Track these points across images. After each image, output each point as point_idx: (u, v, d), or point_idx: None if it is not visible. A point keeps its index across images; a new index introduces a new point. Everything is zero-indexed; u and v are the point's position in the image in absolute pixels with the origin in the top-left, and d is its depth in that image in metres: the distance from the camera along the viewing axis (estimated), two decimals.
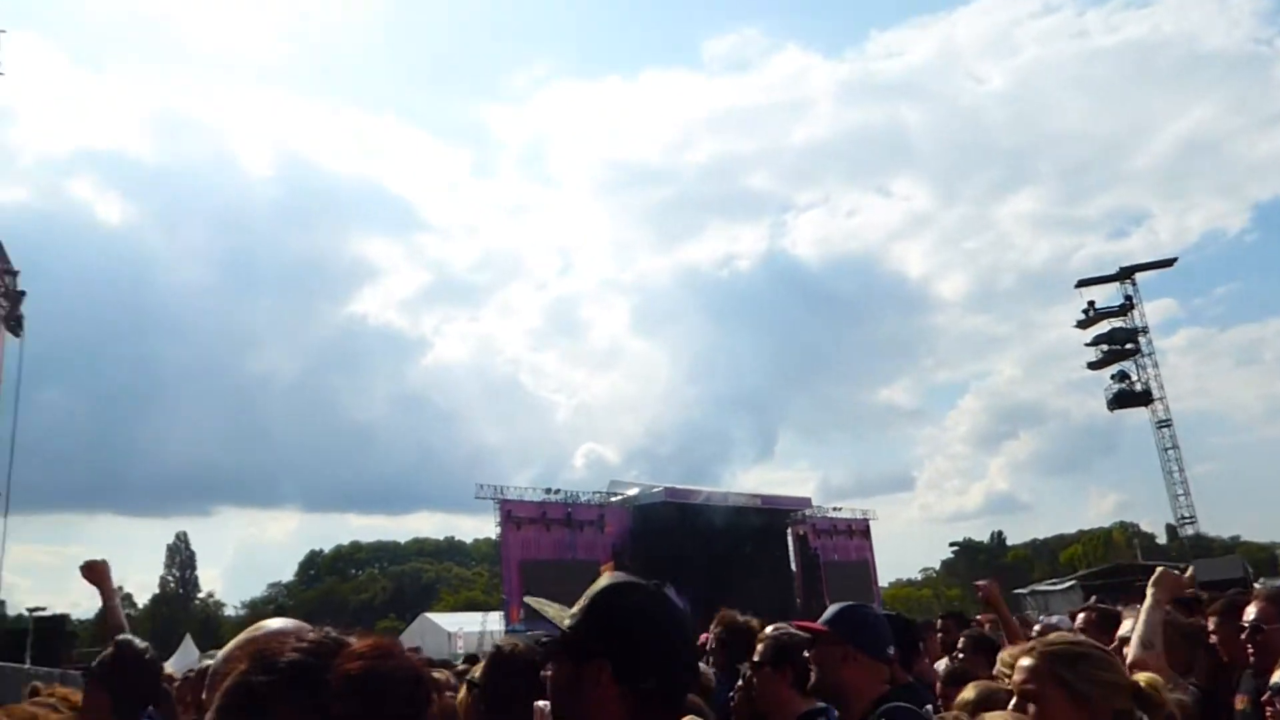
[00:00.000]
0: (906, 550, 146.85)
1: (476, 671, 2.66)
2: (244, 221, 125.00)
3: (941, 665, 5.16)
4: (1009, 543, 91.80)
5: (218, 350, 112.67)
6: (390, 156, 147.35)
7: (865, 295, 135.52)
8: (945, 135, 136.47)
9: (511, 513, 39.21)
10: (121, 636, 3.42)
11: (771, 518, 46.71)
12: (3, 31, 19.56)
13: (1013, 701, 2.24)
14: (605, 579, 1.70)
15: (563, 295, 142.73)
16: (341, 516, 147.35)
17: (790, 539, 47.61)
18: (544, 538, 39.78)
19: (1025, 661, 2.25)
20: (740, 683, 3.32)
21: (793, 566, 47.17)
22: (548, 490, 41.87)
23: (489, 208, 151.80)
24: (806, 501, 50.11)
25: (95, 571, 4.06)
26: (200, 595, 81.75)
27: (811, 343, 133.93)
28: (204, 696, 4.29)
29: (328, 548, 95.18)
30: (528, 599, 1.79)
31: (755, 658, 3.19)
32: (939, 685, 4.08)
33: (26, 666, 18.11)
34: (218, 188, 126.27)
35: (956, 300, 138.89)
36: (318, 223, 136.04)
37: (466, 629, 43.56)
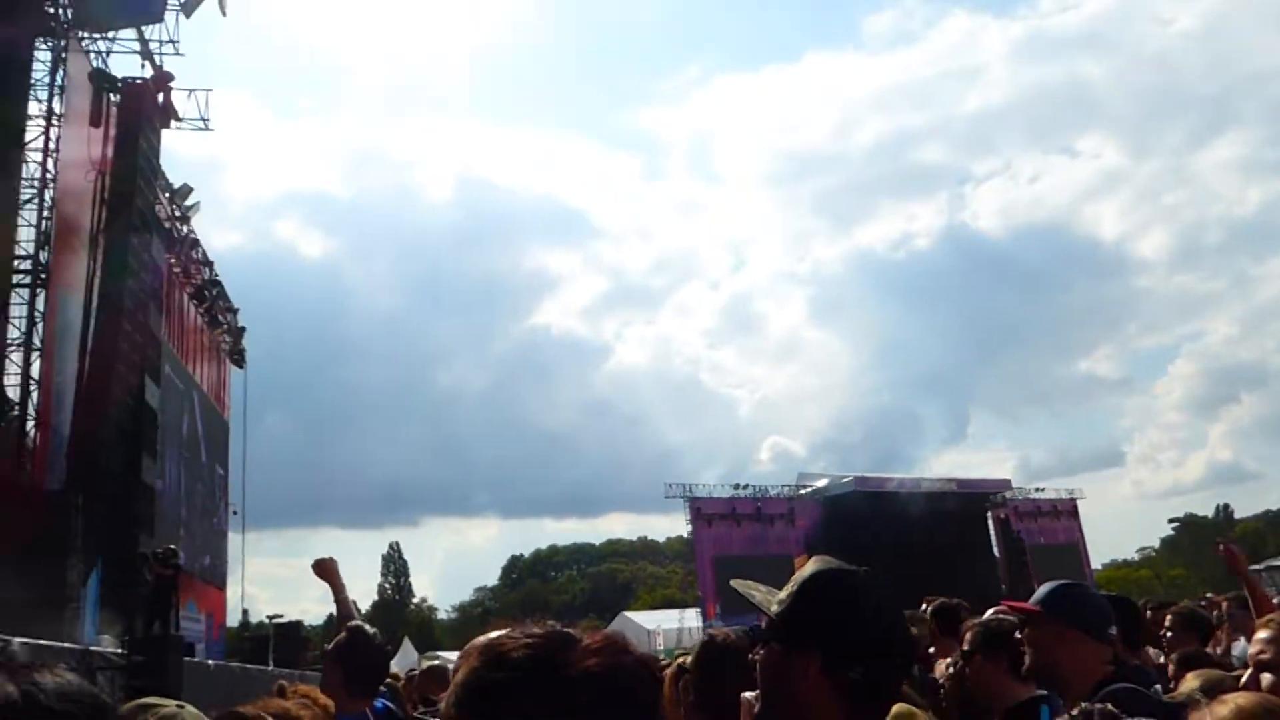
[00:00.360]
0: (1120, 530, 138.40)
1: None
2: (429, 246, 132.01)
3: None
4: (1237, 516, 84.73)
5: (413, 370, 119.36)
6: (562, 169, 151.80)
7: (1056, 263, 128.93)
8: (1133, 85, 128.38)
9: (701, 510, 39.45)
10: (353, 622, 3.68)
11: (969, 502, 45.00)
12: (210, 90, 21.31)
13: (1245, 674, 2.11)
14: (812, 565, 1.66)
15: (737, 292, 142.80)
16: (538, 521, 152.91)
17: (991, 523, 45.70)
18: (735, 533, 39.81)
19: (1262, 634, 2.16)
20: (951, 671, 3.21)
21: (995, 552, 45.27)
22: (736, 486, 41.87)
23: (660, 210, 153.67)
24: (1006, 483, 47.99)
25: (325, 568, 4.35)
26: (414, 600, 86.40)
27: (1000, 317, 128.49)
28: (433, 694, 4.54)
29: (527, 552, 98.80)
30: (734, 582, 1.74)
31: (965, 646, 3.07)
32: (1171, 668, 3.80)
33: (270, 668, 19.70)
34: (403, 216, 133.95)
35: (1159, 260, 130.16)
36: (497, 240, 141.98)
37: (665, 626, 44.12)
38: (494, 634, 1.04)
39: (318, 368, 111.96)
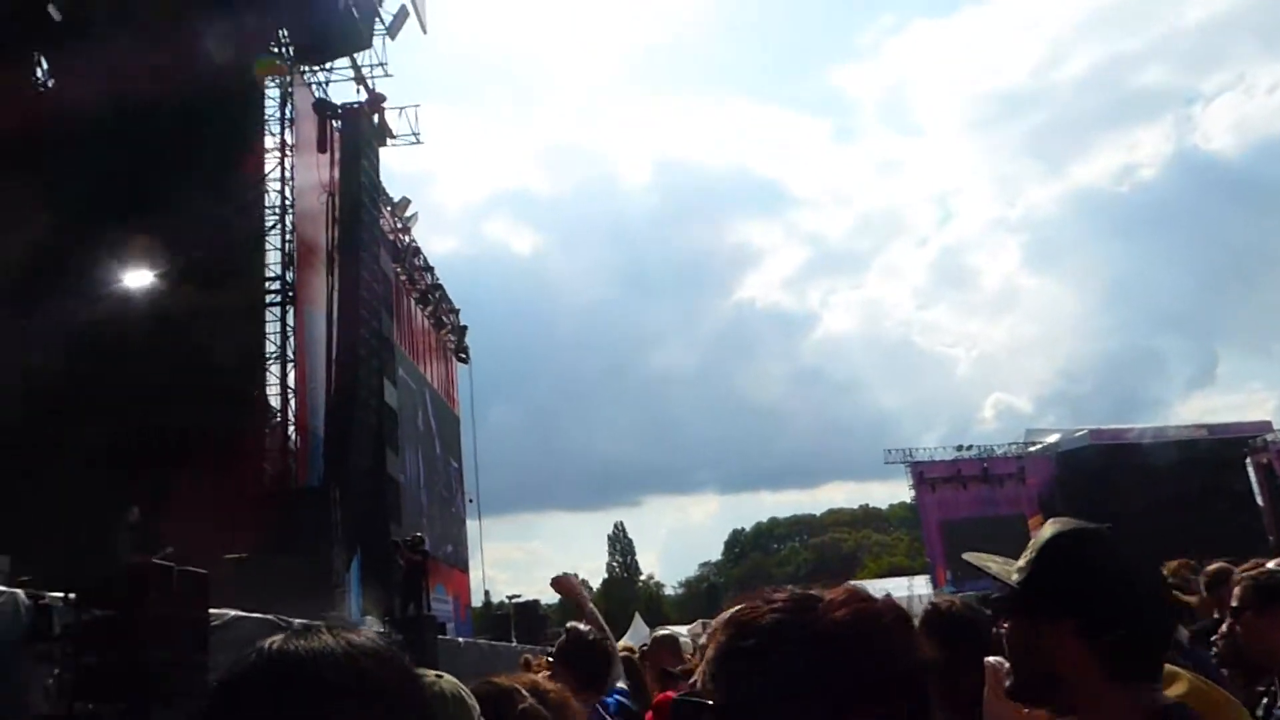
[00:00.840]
0: None
1: None
2: (631, 231, 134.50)
3: None
4: None
5: (626, 355, 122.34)
6: (753, 140, 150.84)
7: None
8: None
9: (924, 474, 38.42)
10: (570, 624, 3.94)
11: (1223, 448, 41.42)
12: (418, 105, 22.67)
13: None
14: (1050, 527, 1.58)
15: (946, 246, 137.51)
16: (755, 495, 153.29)
17: (1251, 470, 41.87)
18: (961, 496, 38.52)
19: None
20: (1224, 630, 3.03)
21: (1258, 500, 41.43)
22: (959, 448, 40.49)
23: (857, 170, 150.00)
24: (1267, 425, 43.77)
25: (564, 585, 4.60)
26: (642, 578, 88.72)
27: (1244, 244, 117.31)
28: (666, 664, 4.70)
29: (748, 526, 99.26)
30: (967, 555, 1.67)
31: (1234, 603, 2.89)
32: None
33: (514, 644, 20.89)
34: (604, 205, 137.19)
35: None
36: (696, 219, 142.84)
37: (895, 594, 43.18)
38: (737, 607, 1.05)
39: (536, 359, 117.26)
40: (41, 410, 15.61)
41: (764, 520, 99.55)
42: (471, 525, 31.85)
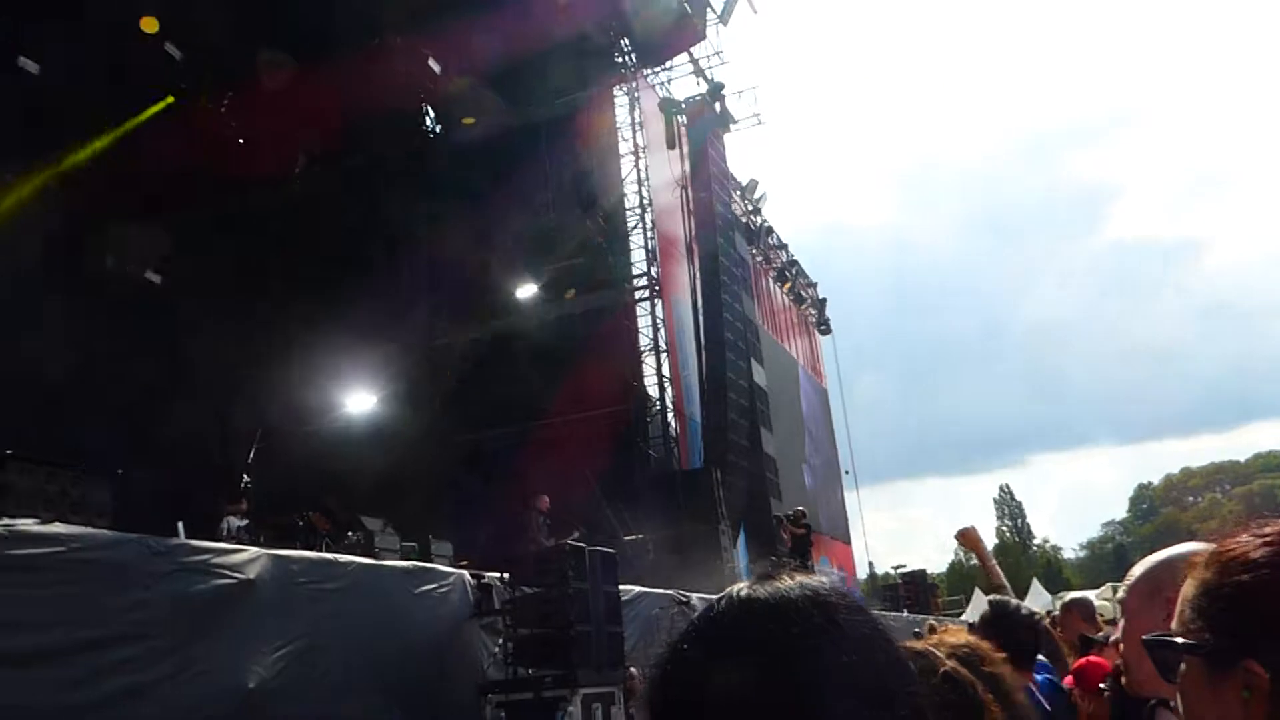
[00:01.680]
0: None
1: None
2: (983, 179, 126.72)
3: None
4: None
5: (994, 309, 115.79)
6: (1090, 73, 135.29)
7: None
8: None
9: None
10: (992, 596, 3.76)
11: None
12: (756, 87, 22.88)
13: None
14: None
15: None
16: (1160, 444, 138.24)
17: None
18: None
19: None
20: None
21: None
22: None
23: (1226, 79, 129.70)
24: None
25: (968, 537, 4.47)
26: (1036, 542, 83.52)
27: None
28: (1083, 630, 4.39)
29: (1155, 479, 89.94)
30: None
31: None
32: None
33: (905, 615, 20.60)
34: (955, 153, 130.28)
35: None
36: (1050, 155, 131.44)
37: None
38: (1219, 543, 1.02)
39: (898, 323, 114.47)
40: (451, 419, 17.93)
41: (1174, 471, 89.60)
42: (849, 497, 31.91)
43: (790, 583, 0.85)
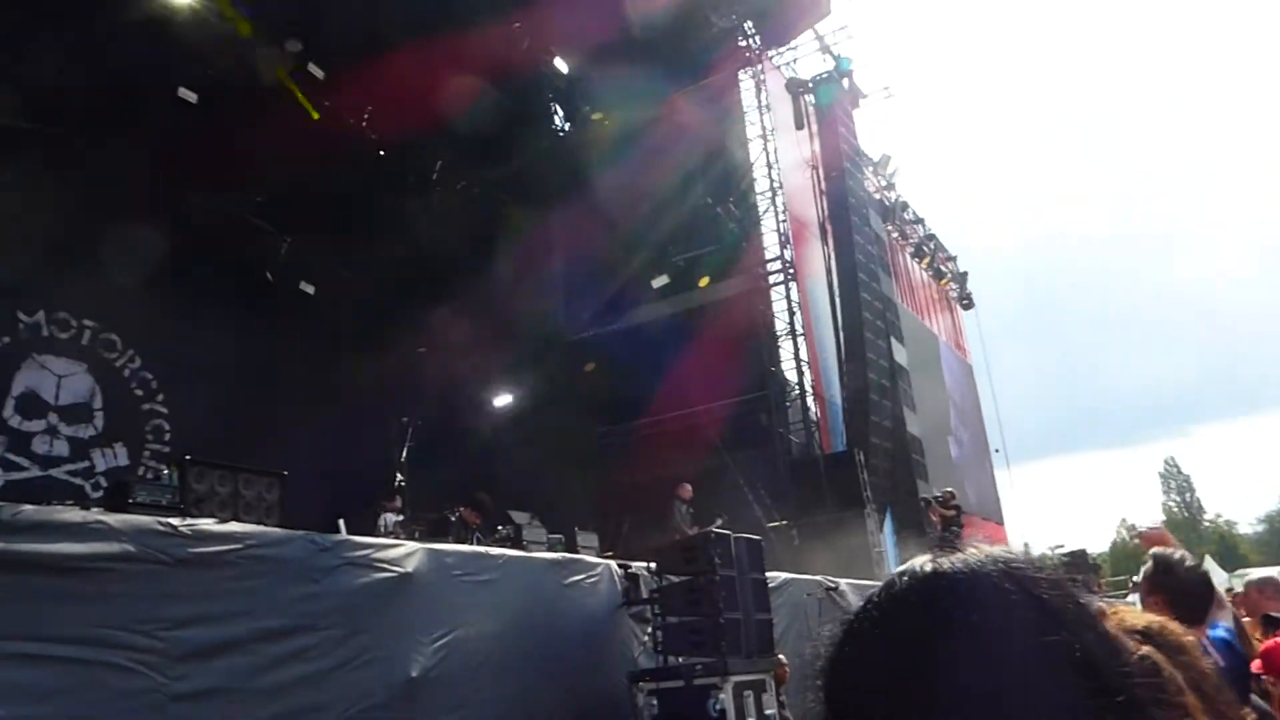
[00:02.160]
0: None
1: None
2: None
3: None
4: None
5: (1150, 267, 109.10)
6: None
7: None
8: None
9: None
10: (1155, 549, 3.54)
11: None
12: (884, 59, 22.32)
13: None
14: None
15: None
16: None
17: None
18: None
19: None
20: None
21: None
22: None
23: None
24: None
25: (1152, 540, 4.25)
26: (1208, 517, 78.70)
27: None
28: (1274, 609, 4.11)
29: None
30: None
31: None
32: None
33: None
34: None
35: None
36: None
37: None
38: None
39: (1045, 293, 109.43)
40: (590, 411, 18.26)
41: None
42: (1000, 475, 30.85)
43: (978, 554, 0.80)
